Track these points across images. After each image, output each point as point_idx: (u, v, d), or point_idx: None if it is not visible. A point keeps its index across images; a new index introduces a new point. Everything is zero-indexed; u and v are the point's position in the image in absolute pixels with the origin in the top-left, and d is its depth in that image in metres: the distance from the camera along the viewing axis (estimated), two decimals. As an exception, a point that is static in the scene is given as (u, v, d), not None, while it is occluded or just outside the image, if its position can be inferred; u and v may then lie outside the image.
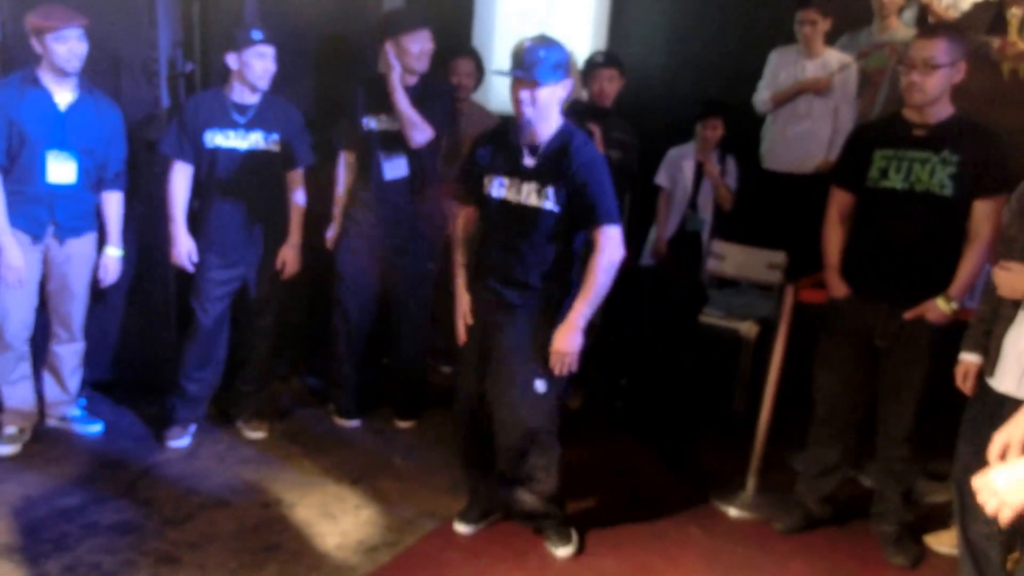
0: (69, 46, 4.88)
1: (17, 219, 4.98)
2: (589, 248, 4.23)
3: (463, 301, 4.50)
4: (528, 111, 4.10)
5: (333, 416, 6.01)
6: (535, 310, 4.31)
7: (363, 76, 5.74)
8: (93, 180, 5.21)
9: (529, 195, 4.21)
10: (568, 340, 4.26)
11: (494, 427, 4.50)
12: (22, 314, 5.14)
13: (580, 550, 4.64)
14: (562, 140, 4.20)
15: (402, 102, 5.37)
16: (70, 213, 5.14)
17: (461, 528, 4.74)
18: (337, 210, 5.77)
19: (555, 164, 4.18)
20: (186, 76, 5.71)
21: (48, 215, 5.07)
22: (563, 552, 4.60)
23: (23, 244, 5.01)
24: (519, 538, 4.70)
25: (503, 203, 4.28)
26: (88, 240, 5.28)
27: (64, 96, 5.03)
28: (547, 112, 4.15)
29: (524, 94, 4.06)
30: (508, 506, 4.72)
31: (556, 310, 4.28)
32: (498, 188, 4.29)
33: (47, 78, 4.97)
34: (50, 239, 5.12)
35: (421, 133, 5.45)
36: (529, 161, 4.23)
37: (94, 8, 5.11)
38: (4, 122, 4.88)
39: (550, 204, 4.18)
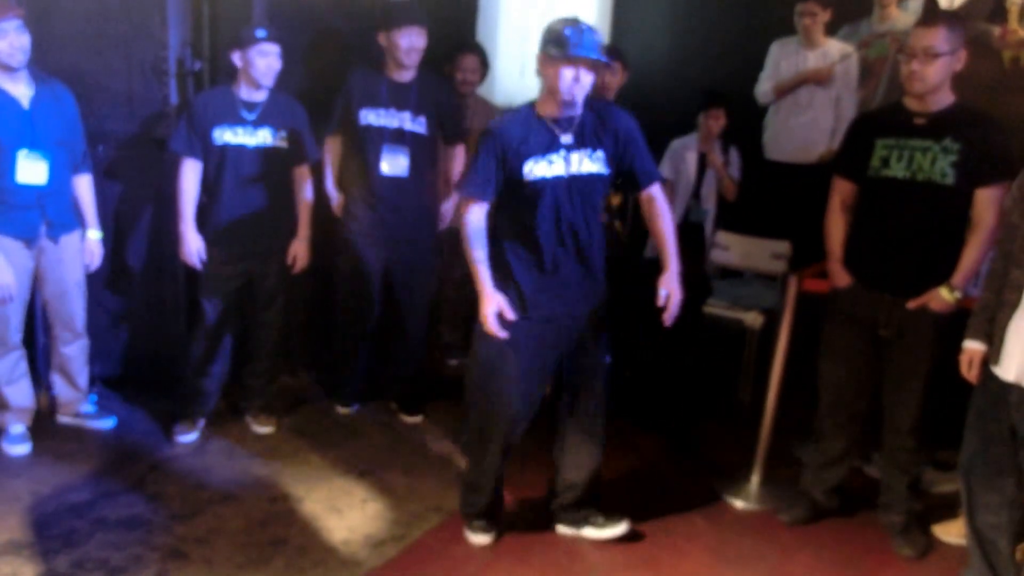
0: (8, 40, 4.75)
1: (7, 227, 4.93)
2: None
3: (494, 300, 4.19)
4: (579, 92, 4.11)
5: (335, 405, 6.02)
6: (602, 284, 4.44)
7: (360, 66, 5.70)
8: (70, 170, 5.17)
9: (583, 163, 4.23)
10: (678, 285, 4.38)
11: (581, 422, 4.58)
12: (16, 318, 5.11)
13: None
14: (593, 110, 4.29)
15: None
16: (60, 209, 5.12)
17: (483, 539, 4.64)
18: (332, 186, 5.75)
19: (593, 132, 4.26)
20: (195, 75, 5.73)
21: (40, 216, 5.03)
22: (619, 529, 4.67)
23: (16, 251, 4.96)
24: (525, 532, 4.72)
25: (554, 182, 4.19)
26: (76, 235, 5.26)
27: (23, 92, 4.94)
28: (587, 91, 4.19)
29: (586, 75, 4.08)
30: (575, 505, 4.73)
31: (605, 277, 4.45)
32: (539, 167, 4.18)
33: (1, 79, 4.87)
34: (45, 241, 5.09)
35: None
36: (566, 137, 4.21)
37: (106, 8, 5.12)
38: None
39: (604, 167, 4.27)
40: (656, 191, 4.42)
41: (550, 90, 4.17)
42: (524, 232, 4.25)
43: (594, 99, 4.30)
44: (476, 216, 4.24)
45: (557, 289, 4.29)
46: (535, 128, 4.20)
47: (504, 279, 4.27)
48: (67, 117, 5.14)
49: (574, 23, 4.09)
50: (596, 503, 4.72)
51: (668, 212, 4.44)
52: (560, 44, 4.05)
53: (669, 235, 4.39)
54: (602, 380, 4.55)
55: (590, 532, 4.70)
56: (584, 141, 4.24)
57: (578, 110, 4.21)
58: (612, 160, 4.29)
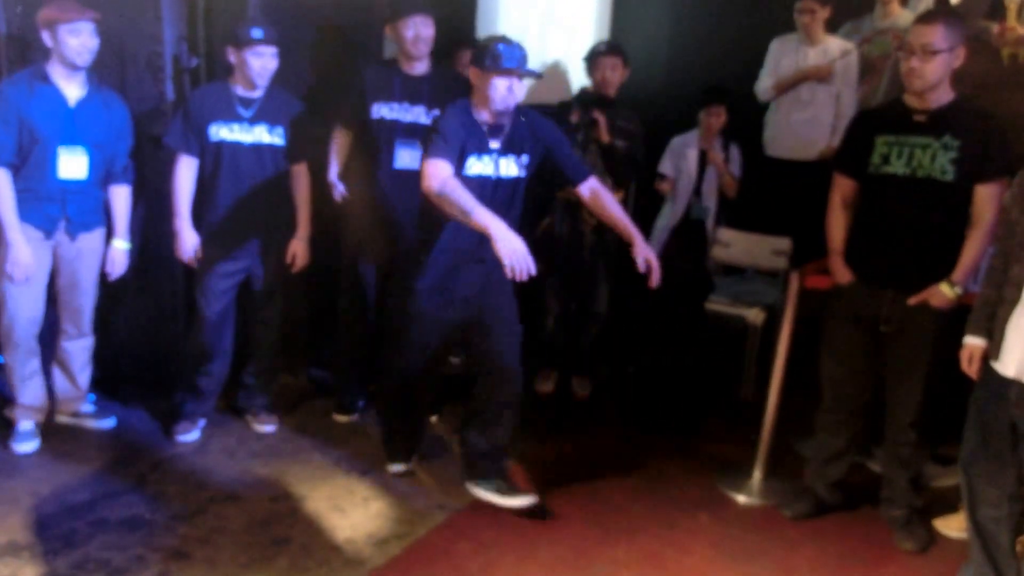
0: (81, 39, 4.88)
1: (29, 215, 4.98)
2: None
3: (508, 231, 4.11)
4: (511, 101, 4.49)
5: (334, 413, 5.96)
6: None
7: (371, 60, 5.72)
8: (102, 174, 5.21)
9: (509, 168, 4.61)
10: (650, 250, 4.56)
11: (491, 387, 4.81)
12: (32, 311, 5.14)
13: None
14: (523, 117, 4.66)
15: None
16: (81, 208, 5.15)
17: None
18: (334, 172, 5.66)
19: (519, 138, 4.62)
20: (191, 71, 5.73)
21: (60, 211, 5.07)
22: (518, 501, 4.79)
23: (35, 240, 5.01)
24: (530, 528, 4.71)
25: (482, 180, 4.53)
26: (98, 234, 5.29)
27: (73, 92, 5.02)
28: (518, 101, 4.57)
29: (518, 85, 4.48)
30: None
31: None
32: (475, 165, 4.52)
33: (57, 73, 4.97)
34: (61, 235, 5.12)
35: None
36: (495, 143, 4.57)
37: (100, 3, 5.12)
38: (15, 120, 4.87)
39: (522, 171, 4.66)
40: (595, 183, 4.74)
41: (484, 99, 4.51)
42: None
43: (521, 108, 4.63)
44: (446, 170, 4.33)
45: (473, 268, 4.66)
46: (473, 127, 4.54)
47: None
48: (112, 125, 5.21)
49: (505, 40, 4.50)
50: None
51: (612, 198, 4.77)
52: (494, 58, 4.43)
53: (623, 216, 4.67)
54: (508, 344, 4.80)
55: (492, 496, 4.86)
56: (511, 147, 4.61)
57: (508, 116, 4.57)
58: (533, 165, 4.68)
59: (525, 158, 4.63)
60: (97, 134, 5.12)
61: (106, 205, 5.32)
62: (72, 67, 4.96)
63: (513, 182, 4.63)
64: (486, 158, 4.53)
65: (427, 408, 5.38)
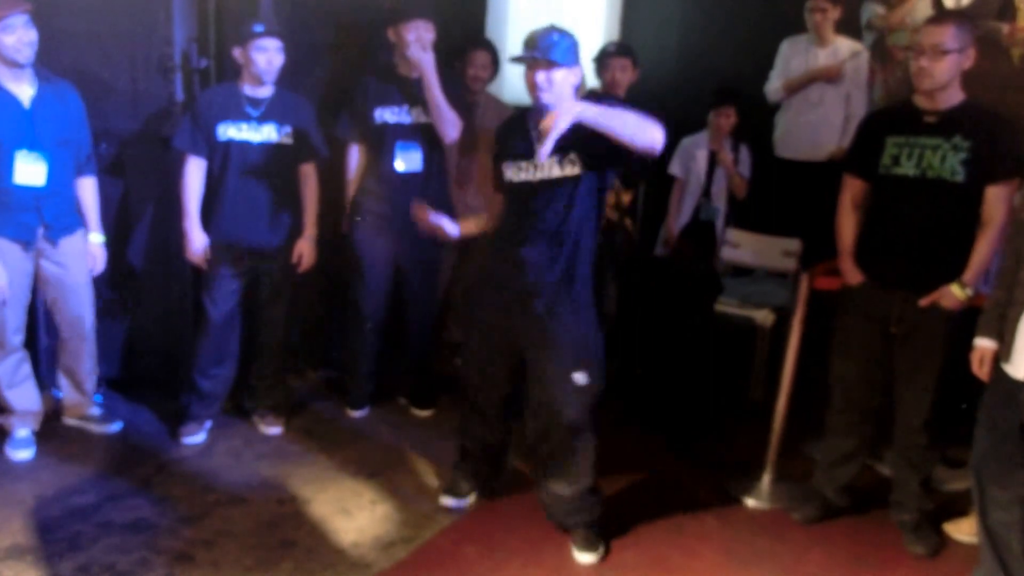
0: (17, 35, 4.69)
1: (3, 228, 4.87)
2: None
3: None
4: (545, 96, 4.04)
5: (344, 407, 6.01)
6: (569, 294, 4.36)
7: (372, 67, 5.74)
8: (73, 171, 5.11)
9: (552, 168, 4.15)
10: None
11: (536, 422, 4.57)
12: (16, 321, 5.06)
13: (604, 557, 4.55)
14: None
15: (438, 95, 5.39)
16: (59, 211, 5.05)
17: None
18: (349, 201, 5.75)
19: (569, 135, 3.99)
20: (201, 72, 5.71)
21: (36, 219, 4.95)
22: (586, 557, 4.51)
23: (12, 254, 4.91)
24: (536, 532, 4.68)
25: (525, 184, 4.23)
26: (80, 236, 5.19)
27: (25, 91, 4.87)
28: (563, 96, 4.07)
29: (540, 76, 4.02)
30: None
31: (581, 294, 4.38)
32: (516, 172, 4.24)
33: (4, 76, 4.81)
34: (43, 243, 5.03)
35: (453, 127, 5.49)
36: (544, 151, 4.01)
37: (110, 5, 5.10)
38: None
39: (574, 170, 4.14)
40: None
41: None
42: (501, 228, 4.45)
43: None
44: (491, 210, 4.54)
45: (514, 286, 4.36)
46: (521, 133, 4.27)
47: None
48: (71, 117, 5.08)
49: (535, 30, 4.10)
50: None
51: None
52: (524, 49, 4.08)
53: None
54: (561, 397, 4.45)
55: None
56: (558, 145, 4.00)
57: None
58: (590, 160, 4.14)
59: (574, 155, 4.11)
60: (59, 130, 4.98)
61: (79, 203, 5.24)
62: (15, 65, 4.79)
63: (558, 182, 4.17)
64: (524, 163, 4.21)
65: (495, 445, 4.93)
